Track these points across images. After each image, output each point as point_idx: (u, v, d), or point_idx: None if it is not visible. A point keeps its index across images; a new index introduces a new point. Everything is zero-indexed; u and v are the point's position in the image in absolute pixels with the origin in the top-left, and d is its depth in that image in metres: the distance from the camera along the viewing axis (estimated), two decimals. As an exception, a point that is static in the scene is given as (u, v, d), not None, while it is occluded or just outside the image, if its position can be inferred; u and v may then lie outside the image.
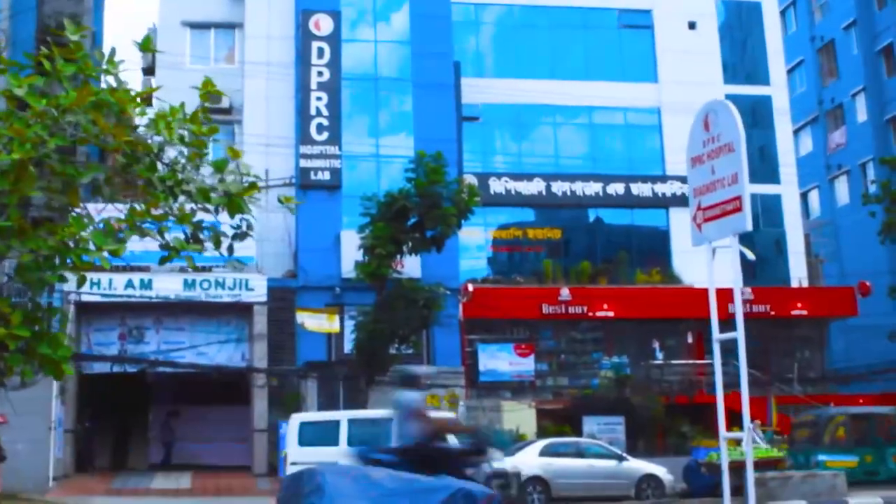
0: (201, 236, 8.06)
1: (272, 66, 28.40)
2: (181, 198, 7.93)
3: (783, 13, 41.21)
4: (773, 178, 32.61)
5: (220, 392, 26.50)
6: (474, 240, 30.22)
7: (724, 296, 10.36)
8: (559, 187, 30.82)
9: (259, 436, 24.89)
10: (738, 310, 9.66)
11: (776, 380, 28.57)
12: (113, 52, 8.05)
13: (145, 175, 7.84)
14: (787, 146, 33.61)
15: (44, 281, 7.33)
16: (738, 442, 13.92)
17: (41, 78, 7.59)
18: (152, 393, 28.45)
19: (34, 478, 20.23)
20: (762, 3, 34.28)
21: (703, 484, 20.26)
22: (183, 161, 8.06)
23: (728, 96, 28.50)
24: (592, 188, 31.03)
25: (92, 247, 7.30)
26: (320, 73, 28.31)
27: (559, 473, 20.82)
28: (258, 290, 25.26)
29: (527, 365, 28.57)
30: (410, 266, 24.22)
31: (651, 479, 21.54)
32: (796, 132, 38.69)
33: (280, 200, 8.72)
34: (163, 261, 8.03)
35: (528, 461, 20.64)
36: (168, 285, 24.39)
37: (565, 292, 28.50)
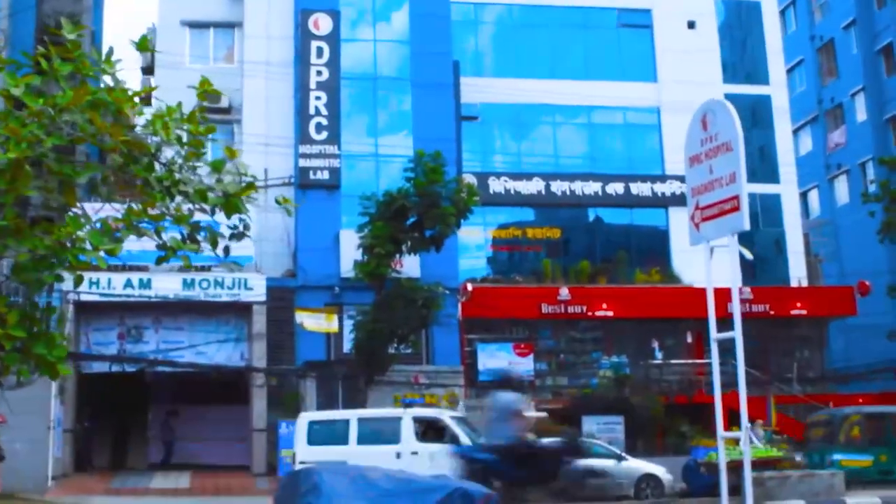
0: (198, 237, 8.05)
1: (271, 66, 28.40)
2: (178, 198, 7.93)
3: (783, 12, 41.21)
4: (773, 177, 32.63)
5: (219, 392, 26.51)
6: (474, 239, 30.22)
7: (723, 295, 10.34)
8: (558, 187, 30.81)
9: (258, 435, 24.89)
10: (736, 309, 9.66)
11: (775, 379, 28.57)
12: (111, 51, 8.04)
13: (142, 175, 7.83)
14: (787, 146, 33.60)
15: (40, 281, 7.32)
16: (736, 441, 13.90)
17: (37, 77, 7.58)
18: (151, 392, 28.45)
19: (33, 477, 20.23)
20: (762, 2, 34.27)
21: (702, 483, 20.22)
22: (180, 161, 8.05)
23: (727, 96, 28.53)
24: (592, 188, 31.02)
25: (88, 246, 7.29)
26: (319, 73, 28.31)
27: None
28: (257, 290, 25.26)
29: (526, 364, 28.53)
30: (409, 266, 24.23)
31: (650, 478, 21.53)
32: (796, 132, 38.68)
33: (278, 202, 8.71)
34: (159, 261, 8.02)
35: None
36: (167, 285, 24.39)
37: (564, 292, 28.49)
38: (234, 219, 8.18)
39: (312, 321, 24.37)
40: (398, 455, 17.85)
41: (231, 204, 7.98)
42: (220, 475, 24.13)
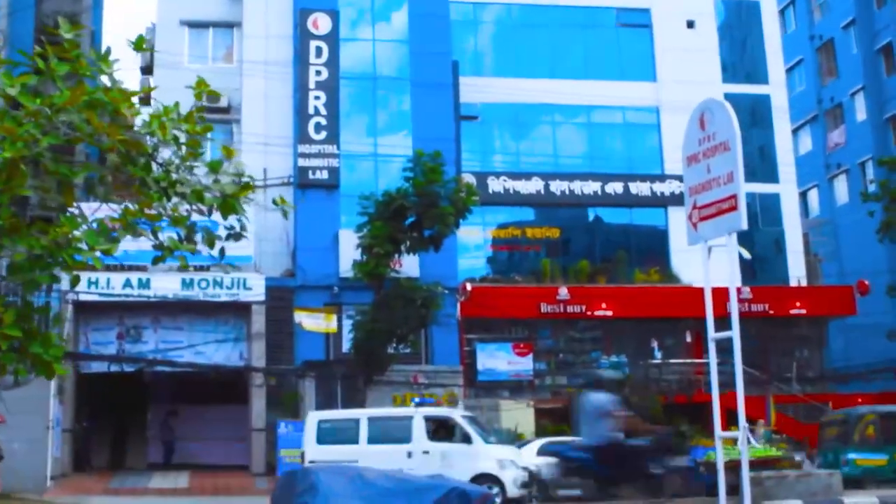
0: (195, 237, 8.05)
1: (270, 66, 28.39)
2: (175, 199, 7.93)
3: (782, 12, 41.21)
4: (772, 177, 32.61)
5: (218, 391, 26.49)
6: (473, 239, 30.20)
7: (722, 295, 10.33)
8: (558, 186, 30.79)
9: (257, 435, 24.89)
10: (734, 309, 9.65)
11: (775, 379, 28.55)
12: (108, 51, 8.04)
13: (139, 175, 7.83)
14: (787, 145, 33.58)
15: (36, 280, 7.32)
16: (734, 441, 13.90)
17: (34, 77, 7.57)
18: (150, 392, 28.45)
19: (32, 477, 20.24)
20: (761, 2, 34.25)
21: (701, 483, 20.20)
22: (177, 161, 8.06)
23: (727, 95, 28.54)
24: (591, 187, 31.00)
25: (84, 246, 7.28)
26: (318, 73, 28.30)
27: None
28: (256, 290, 25.26)
29: (525, 364, 28.56)
30: (408, 265, 24.23)
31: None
32: (795, 131, 38.65)
33: (275, 203, 8.71)
34: (156, 261, 8.03)
35: (526, 460, 20.59)
36: (166, 285, 24.38)
37: (564, 291, 28.49)
38: (232, 219, 8.18)
39: (311, 321, 24.37)
40: (409, 454, 17.82)
41: (228, 205, 7.99)
42: (219, 475, 24.12)
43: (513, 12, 32.59)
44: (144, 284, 24.52)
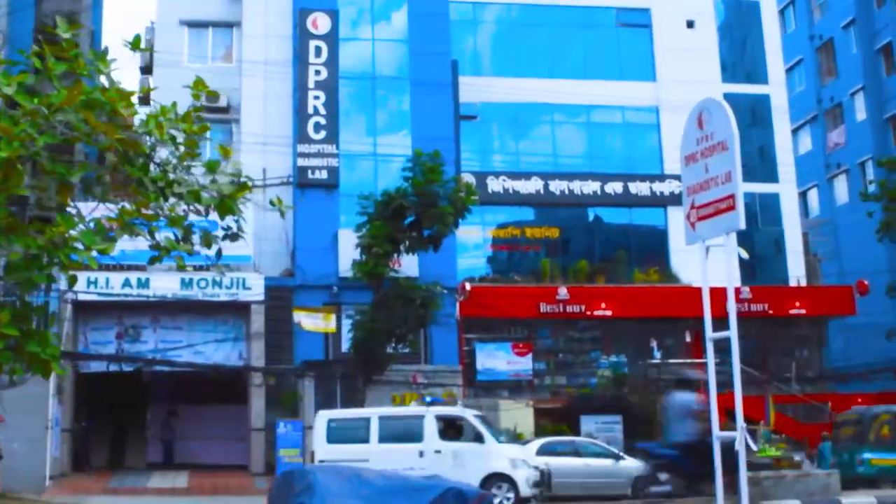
0: (192, 238, 8.05)
1: (270, 65, 28.38)
2: (172, 199, 7.92)
3: (782, 12, 41.20)
4: (772, 176, 32.60)
5: (218, 391, 26.49)
6: (472, 239, 30.20)
7: (721, 294, 10.33)
8: (557, 186, 30.79)
9: (256, 435, 24.89)
10: (731, 308, 9.65)
11: (774, 379, 28.54)
12: (105, 50, 8.04)
13: (136, 175, 7.82)
14: (786, 145, 33.57)
15: (32, 280, 7.31)
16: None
17: (30, 76, 7.57)
18: (149, 392, 28.45)
19: (31, 477, 20.23)
20: (761, 1, 34.23)
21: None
22: (174, 161, 8.05)
23: (727, 95, 28.51)
24: (591, 187, 30.99)
25: (80, 246, 7.27)
26: (318, 72, 28.29)
27: (556, 472, 20.78)
28: (255, 289, 25.25)
29: (524, 364, 28.55)
30: (408, 265, 24.22)
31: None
32: (795, 131, 38.64)
33: (272, 203, 8.71)
34: (153, 260, 8.02)
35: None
36: (165, 284, 24.38)
37: (563, 291, 28.48)
38: (229, 219, 8.18)
39: (310, 321, 24.35)
40: (421, 454, 17.79)
41: (225, 205, 7.98)
42: (218, 475, 24.11)
43: (512, 12, 32.58)
44: (144, 284, 24.53)
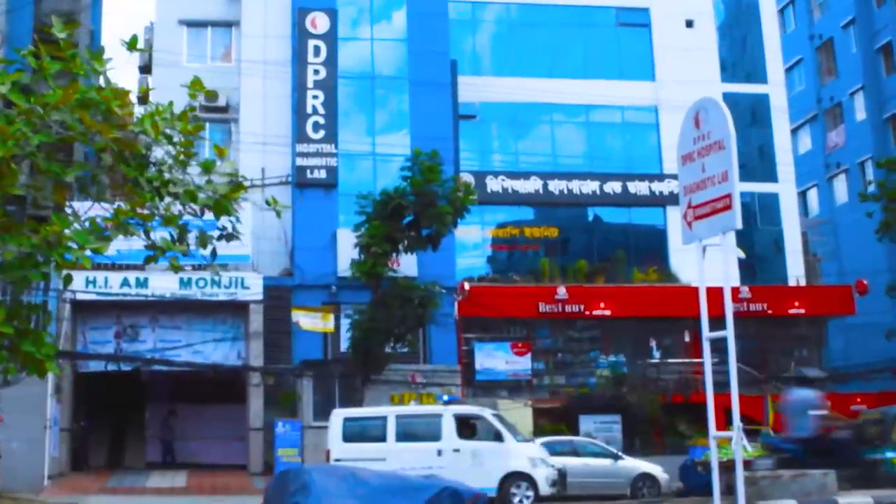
0: (187, 238, 8.04)
1: (269, 65, 28.38)
2: (167, 199, 7.92)
3: (781, 11, 41.17)
4: (772, 176, 32.59)
5: (216, 391, 26.52)
6: (472, 238, 30.19)
7: (719, 294, 10.32)
8: (556, 186, 30.77)
9: (255, 434, 24.90)
10: (728, 308, 9.65)
11: (773, 378, 28.52)
12: (101, 50, 8.03)
13: (132, 174, 7.81)
14: (786, 145, 33.54)
15: (26, 279, 7.30)
16: (728, 441, 13.91)
17: (26, 75, 7.56)
18: (148, 392, 28.47)
19: (30, 476, 20.23)
20: (760, 1, 34.21)
21: (699, 483, 20.20)
22: (170, 161, 8.04)
23: (726, 95, 28.50)
24: (590, 187, 30.97)
25: (74, 245, 7.27)
26: (317, 72, 28.28)
27: (555, 472, 20.78)
28: (254, 289, 25.25)
29: (523, 363, 28.52)
30: (406, 265, 24.23)
31: (647, 478, 21.53)
32: (794, 131, 38.63)
33: (268, 203, 8.70)
34: (148, 260, 8.01)
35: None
36: (164, 284, 24.35)
37: (562, 291, 28.47)
38: (225, 220, 8.16)
39: (308, 321, 24.36)
40: (439, 452, 17.80)
41: (220, 205, 7.97)
42: (217, 474, 24.13)
43: (512, 12, 32.56)
44: (142, 284, 24.53)
